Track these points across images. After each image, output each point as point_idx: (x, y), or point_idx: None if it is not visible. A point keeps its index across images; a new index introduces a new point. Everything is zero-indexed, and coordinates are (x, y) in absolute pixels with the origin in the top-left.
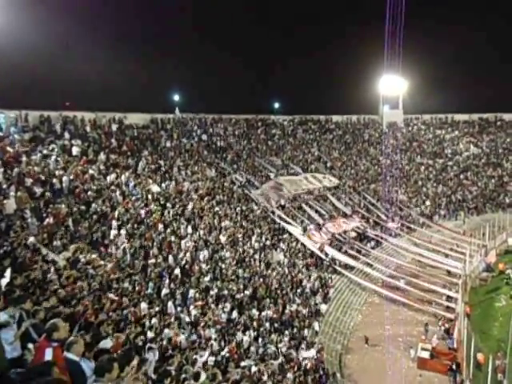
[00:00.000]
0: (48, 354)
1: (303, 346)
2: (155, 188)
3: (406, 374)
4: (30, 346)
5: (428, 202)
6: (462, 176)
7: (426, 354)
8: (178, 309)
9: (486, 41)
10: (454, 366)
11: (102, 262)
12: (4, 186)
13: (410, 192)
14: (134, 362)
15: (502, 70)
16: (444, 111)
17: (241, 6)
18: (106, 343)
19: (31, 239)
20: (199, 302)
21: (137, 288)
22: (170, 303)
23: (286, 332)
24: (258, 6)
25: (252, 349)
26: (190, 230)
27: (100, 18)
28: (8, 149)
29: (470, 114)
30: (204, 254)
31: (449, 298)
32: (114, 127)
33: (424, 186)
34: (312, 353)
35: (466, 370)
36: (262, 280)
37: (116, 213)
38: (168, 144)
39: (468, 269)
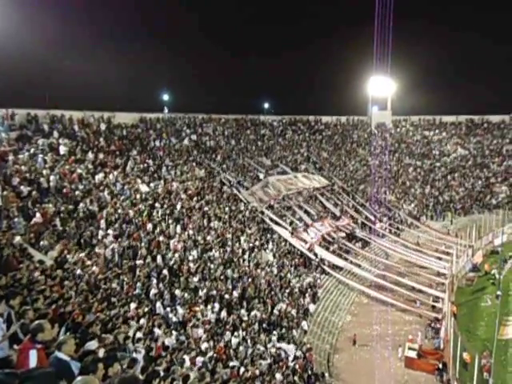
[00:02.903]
0: (32, 356)
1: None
2: (144, 188)
3: (394, 373)
4: (16, 347)
5: (412, 205)
6: (449, 177)
7: (413, 354)
8: (167, 309)
9: (474, 43)
10: (440, 366)
11: (89, 262)
12: None
13: (398, 193)
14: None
15: (489, 73)
16: (432, 113)
17: (231, 6)
18: (92, 345)
19: (17, 239)
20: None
21: (125, 288)
22: (158, 303)
23: (275, 332)
24: (248, 7)
25: (241, 349)
26: (178, 229)
27: (89, 17)
28: None
29: (457, 116)
30: (193, 254)
31: (436, 298)
32: (103, 126)
33: (412, 187)
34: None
35: (452, 369)
36: (250, 280)
37: (104, 212)
38: (157, 143)
39: (455, 269)
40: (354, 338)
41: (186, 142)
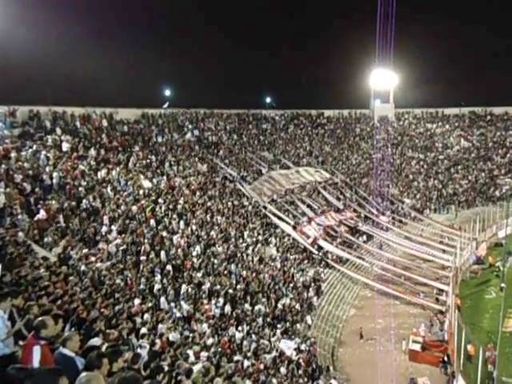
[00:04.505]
0: (36, 352)
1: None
2: (147, 183)
3: (398, 366)
4: (21, 343)
5: (417, 196)
6: (452, 170)
7: (417, 347)
8: (172, 304)
9: (476, 35)
10: (445, 358)
11: (93, 259)
12: None
13: (401, 186)
14: (126, 356)
15: (492, 64)
16: (435, 105)
17: (231, 2)
18: (96, 341)
19: (20, 234)
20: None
21: (129, 284)
22: (162, 299)
23: (279, 326)
24: (248, 2)
25: (245, 343)
26: (182, 225)
27: (90, 13)
28: None
29: (460, 108)
30: (196, 250)
31: (439, 291)
32: (105, 122)
33: (415, 180)
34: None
35: (456, 361)
36: (254, 275)
37: (107, 209)
38: (159, 139)
39: (459, 262)
40: (360, 331)
41: (188, 136)
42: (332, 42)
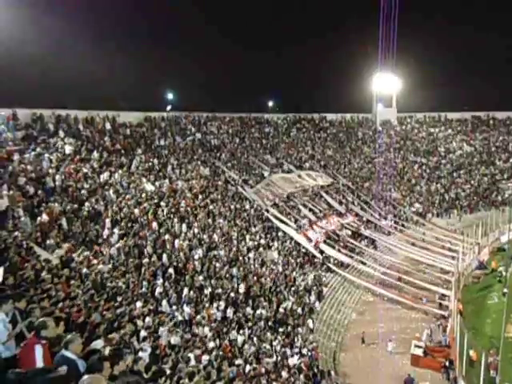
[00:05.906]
0: (38, 350)
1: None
2: (149, 187)
3: (400, 370)
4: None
5: (418, 203)
6: (455, 174)
7: (419, 352)
8: (173, 307)
9: (480, 40)
10: (447, 363)
11: (95, 261)
12: None
13: (404, 190)
14: (128, 360)
15: (495, 69)
16: (437, 109)
17: (236, 4)
18: (98, 344)
19: (20, 237)
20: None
21: (131, 287)
22: (164, 302)
23: (281, 330)
24: (250, 5)
25: (246, 347)
26: (184, 228)
27: (92, 15)
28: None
29: (462, 113)
30: (198, 253)
31: (442, 296)
32: (108, 125)
33: (417, 185)
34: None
35: (458, 366)
36: (256, 278)
37: (109, 211)
38: (162, 142)
39: (461, 266)
40: (362, 335)
41: (189, 139)
42: (335, 46)
